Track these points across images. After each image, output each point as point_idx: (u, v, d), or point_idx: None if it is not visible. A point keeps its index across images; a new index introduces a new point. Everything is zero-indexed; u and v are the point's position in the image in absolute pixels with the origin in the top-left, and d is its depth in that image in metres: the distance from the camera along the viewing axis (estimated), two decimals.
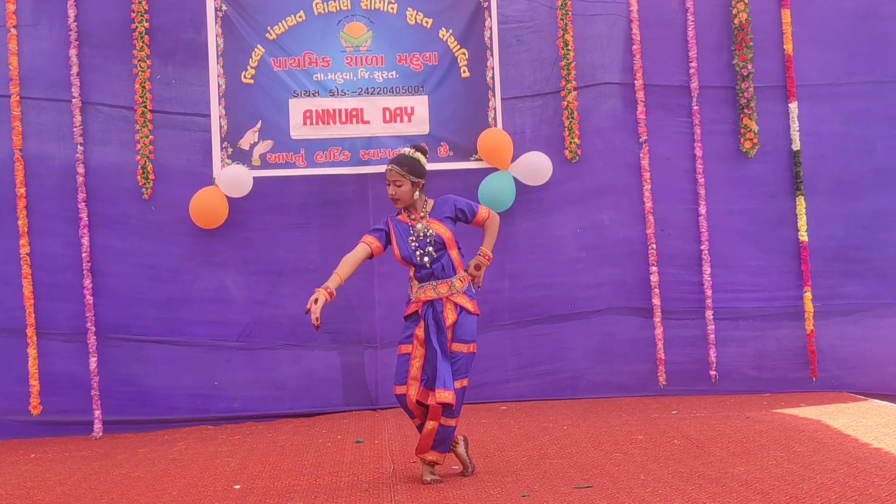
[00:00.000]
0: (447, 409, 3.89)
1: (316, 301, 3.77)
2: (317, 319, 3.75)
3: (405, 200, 3.99)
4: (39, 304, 5.78)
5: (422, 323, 3.95)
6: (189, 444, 5.30)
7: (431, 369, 3.89)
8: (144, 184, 5.88)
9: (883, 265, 6.19)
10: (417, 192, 4.01)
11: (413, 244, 3.97)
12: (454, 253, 4.01)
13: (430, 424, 3.93)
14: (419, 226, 3.99)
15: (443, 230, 3.98)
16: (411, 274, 4.02)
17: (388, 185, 3.99)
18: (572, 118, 6.10)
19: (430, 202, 4.06)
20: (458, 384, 3.91)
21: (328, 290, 3.84)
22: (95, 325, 5.81)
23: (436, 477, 3.98)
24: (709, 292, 6.10)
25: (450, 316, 3.93)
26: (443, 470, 4.23)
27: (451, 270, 3.99)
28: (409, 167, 3.98)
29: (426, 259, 3.95)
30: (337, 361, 6.07)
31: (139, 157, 5.86)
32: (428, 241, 3.96)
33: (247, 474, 4.38)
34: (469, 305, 3.98)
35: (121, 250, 5.88)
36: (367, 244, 3.99)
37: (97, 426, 5.74)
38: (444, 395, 3.83)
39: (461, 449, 4.12)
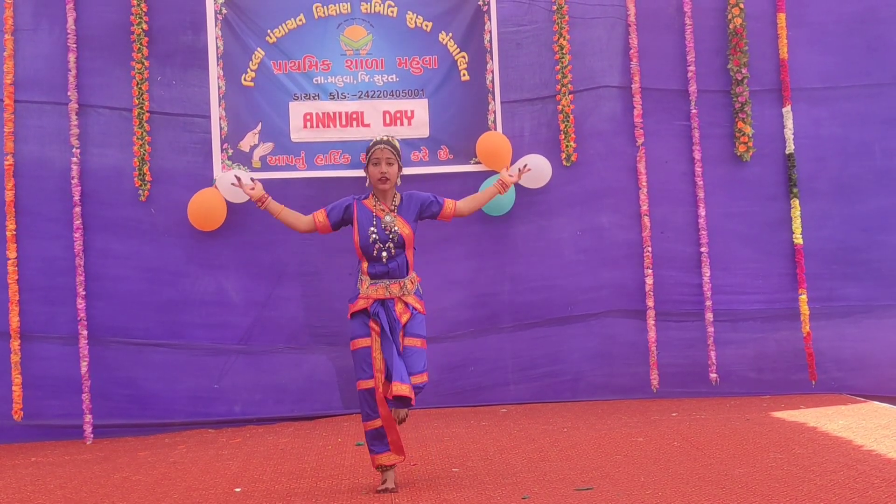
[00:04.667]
0: (406, 400, 3.81)
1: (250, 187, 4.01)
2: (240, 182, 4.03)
3: (393, 181, 3.95)
4: (38, 307, 5.79)
5: (372, 319, 3.89)
6: (189, 448, 5.30)
7: (388, 361, 3.81)
8: (141, 185, 5.89)
9: (881, 267, 6.20)
10: (399, 180, 4.00)
11: (373, 236, 3.89)
12: (410, 253, 3.97)
13: (391, 423, 3.89)
14: (387, 218, 3.91)
15: (406, 230, 3.92)
16: (363, 268, 3.94)
17: (379, 163, 3.90)
18: (568, 122, 6.11)
19: (399, 196, 4.01)
20: (418, 379, 3.83)
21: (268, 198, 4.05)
22: (95, 328, 5.82)
23: (392, 486, 3.94)
24: (708, 294, 6.11)
25: (403, 316, 3.89)
26: (442, 471, 4.23)
27: (405, 270, 3.95)
28: (398, 151, 3.99)
29: (384, 255, 3.88)
30: (337, 364, 6.06)
31: (136, 159, 5.88)
32: (391, 237, 3.89)
33: (247, 477, 4.38)
34: (418, 305, 3.96)
35: (120, 253, 5.89)
36: (314, 218, 3.99)
37: (88, 431, 5.72)
38: (402, 389, 3.74)
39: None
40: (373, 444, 3.93)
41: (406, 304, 3.92)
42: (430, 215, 4.04)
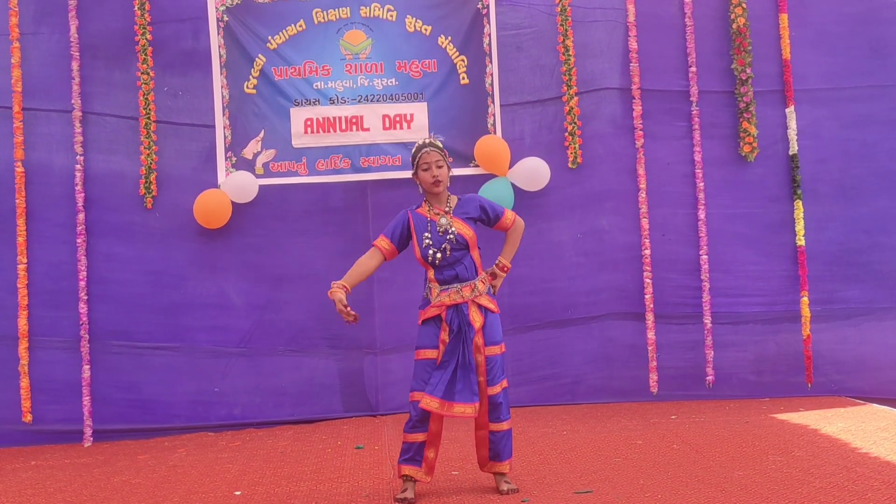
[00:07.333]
0: (493, 414, 3.77)
1: (342, 302, 3.73)
2: (350, 315, 3.73)
3: (446, 182, 3.83)
4: (43, 311, 5.83)
5: (445, 327, 3.76)
6: (189, 451, 5.31)
7: (451, 379, 3.69)
8: (146, 193, 5.92)
9: (883, 269, 6.19)
10: (449, 181, 3.88)
11: (427, 241, 3.77)
12: (476, 254, 3.85)
13: (479, 434, 3.83)
14: (443, 220, 3.79)
15: (466, 230, 3.80)
16: (430, 276, 3.80)
17: (428, 168, 3.78)
18: (574, 124, 6.12)
19: (454, 198, 3.88)
20: (498, 387, 3.78)
21: (345, 286, 3.80)
22: (98, 332, 5.85)
23: (511, 486, 3.84)
24: (707, 297, 6.10)
25: (477, 319, 3.76)
26: (441, 474, 4.24)
27: (474, 272, 3.83)
28: (444, 151, 3.87)
29: (438, 256, 3.74)
30: (337, 368, 6.08)
31: (143, 168, 5.92)
32: (448, 238, 3.76)
33: (247, 480, 4.39)
34: (491, 305, 3.84)
35: (125, 257, 5.93)
36: (378, 248, 3.83)
37: (87, 434, 5.77)
38: (463, 410, 3.67)
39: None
40: (406, 454, 3.80)
41: (479, 306, 3.80)
42: (486, 222, 3.91)
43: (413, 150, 3.90)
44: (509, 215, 3.94)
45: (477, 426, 3.83)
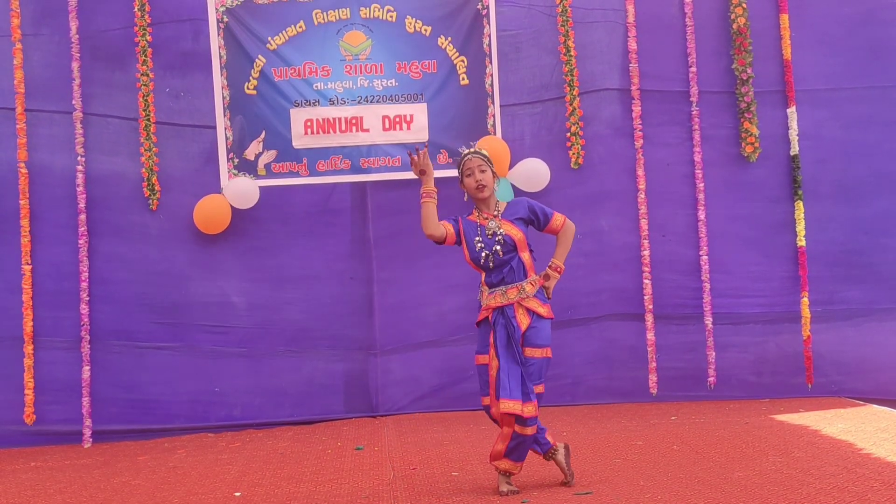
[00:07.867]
0: (518, 418, 3.75)
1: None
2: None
3: (491, 187, 3.84)
4: (45, 312, 5.84)
5: (492, 330, 3.81)
6: (189, 452, 5.32)
7: (522, 379, 3.72)
8: (150, 195, 5.93)
9: (883, 270, 6.19)
10: (495, 185, 3.90)
11: (479, 244, 3.81)
12: (525, 255, 3.84)
13: (504, 430, 3.82)
14: (491, 224, 3.82)
15: (514, 231, 3.81)
16: (482, 279, 3.87)
17: (471, 174, 3.81)
18: (577, 125, 6.12)
19: (502, 203, 3.91)
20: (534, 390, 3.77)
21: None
22: (99, 332, 5.87)
23: (512, 487, 3.83)
24: (707, 298, 6.10)
25: (523, 321, 3.77)
26: (441, 475, 4.24)
27: (522, 274, 3.82)
28: (488, 158, 3.88)
29: (491, 259, 3.78)
30: (337, 368, 6.09)
31: (144, 170, 5.92)
32: (496, 240, 3.79)
33: (247, 481, 4.39)
34: (542, 310, 3.81)
35: (126, 257, 5.95)
36: (444, 227, 3.83)
37: (87, 435, 5.78)
38: (508, 406, 3.68)
39: (560, 457, 3.92)
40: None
41: (527, 309, 3.80)
42: (536, 224, 3.90)
43: (458, 160, 3.93)
44: (558, 218, 3.95)
45: (504, 422, 3.82)
